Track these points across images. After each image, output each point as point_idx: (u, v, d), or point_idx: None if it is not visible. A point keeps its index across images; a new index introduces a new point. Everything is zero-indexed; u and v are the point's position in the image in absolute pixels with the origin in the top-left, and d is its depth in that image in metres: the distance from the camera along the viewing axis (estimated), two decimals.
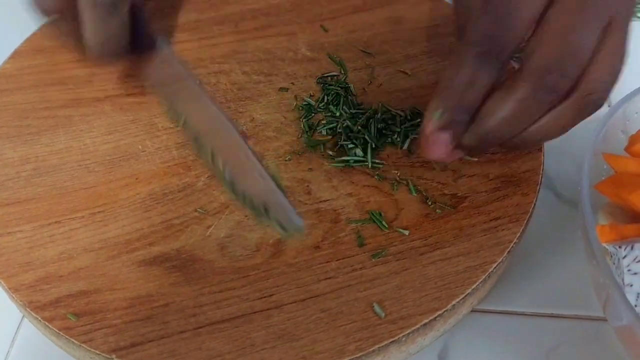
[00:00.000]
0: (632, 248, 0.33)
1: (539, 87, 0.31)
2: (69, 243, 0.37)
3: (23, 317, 0.39)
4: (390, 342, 0.33)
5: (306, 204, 0.39)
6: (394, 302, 0.34)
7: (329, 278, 0.36)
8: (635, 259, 0.33)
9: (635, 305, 0.33)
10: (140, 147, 0.42)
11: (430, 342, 0.36)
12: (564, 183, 0.46)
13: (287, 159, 0.41)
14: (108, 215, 0.38)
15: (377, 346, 0.33)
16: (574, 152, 0.44)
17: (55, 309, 0.34)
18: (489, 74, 0.31)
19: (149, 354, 0.33)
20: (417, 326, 0.34)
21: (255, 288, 0.35)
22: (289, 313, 0.34)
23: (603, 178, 0.39)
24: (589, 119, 0.33)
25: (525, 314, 0.39)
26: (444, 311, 0.34)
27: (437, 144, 0.32)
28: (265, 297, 0.35)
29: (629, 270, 0.33)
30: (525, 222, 0.38)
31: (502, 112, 0.31)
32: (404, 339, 0.34)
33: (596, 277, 0.34)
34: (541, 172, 0.40)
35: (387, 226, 0.38)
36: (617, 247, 0.34)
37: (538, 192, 0.39)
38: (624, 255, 0.33)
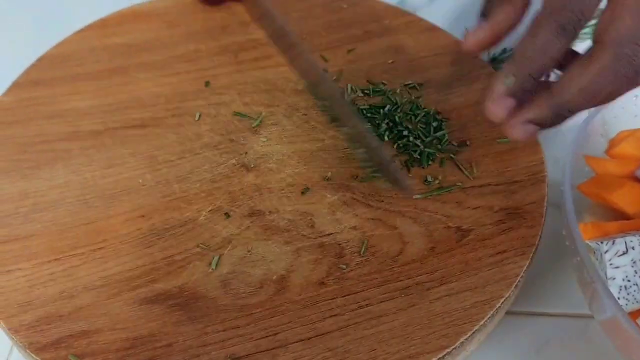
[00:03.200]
0: (613, 243, 0.35)
1: (617, 58, 0.31)
2: (69, 281, 0.36)
3: (12, 347, 0.38)
4: None
5: (309, 237, 0.39)
6: (401, 340, 0.34)
7: (335, 315, 0.35)
8: (616, 253, 0.35)
9: (618, 298, 0.35)
10: (140, 180, 0.41)
11: None
12: (550, 186, 0.45)
13: (301, 191, 0.41)
14: (109, 252, 0.38)
15: None
16: (557, 155, 0.45)
17: (56, 350, 0.34)
18: (562, 45, 0.32)
19: None
20: None
21: (260, 326, 0.35)
22: (294, 352, 0.34)
23: (585, 180, 0.41)
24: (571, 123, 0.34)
25: (516, 313, 0.41)
26: (452, 349, 0.34)
27: (502, 107, 0.33)
28: (270, 335, 0.34)
29: (611, 264, 0.34)
30: (531, 255, 0.37)
31: (581, 82, 0.31)
32: None
33: (581, 274, 0.35)
34: (545, 204, 0.40)
35: None
36: (599, 242, 0.35)
37: (543, 224, 0.39)
38: (605, 250, 0.35)
